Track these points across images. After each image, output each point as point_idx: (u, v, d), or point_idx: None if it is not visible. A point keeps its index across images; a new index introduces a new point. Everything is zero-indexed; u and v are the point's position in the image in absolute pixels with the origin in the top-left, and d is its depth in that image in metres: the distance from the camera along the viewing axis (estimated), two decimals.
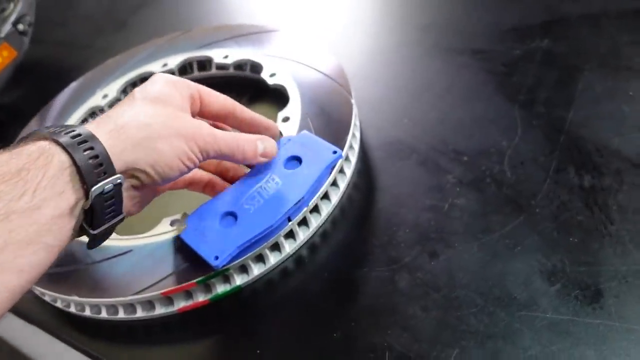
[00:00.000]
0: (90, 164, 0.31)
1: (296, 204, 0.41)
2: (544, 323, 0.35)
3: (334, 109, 0.50)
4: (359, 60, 0.62)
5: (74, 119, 0.60)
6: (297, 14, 0.73)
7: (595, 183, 0.42)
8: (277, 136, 0.45)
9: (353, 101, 0.50)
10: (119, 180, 0.32)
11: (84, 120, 0.61)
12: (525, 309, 0.36)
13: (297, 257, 0.44)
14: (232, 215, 0.41)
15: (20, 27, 0.69)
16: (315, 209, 0.44)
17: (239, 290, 0.42)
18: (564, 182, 0.43)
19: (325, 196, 0.45)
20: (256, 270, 0.42)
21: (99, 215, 0.32)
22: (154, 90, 0.37)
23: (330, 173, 0.44)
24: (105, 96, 0.61)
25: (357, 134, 0.50)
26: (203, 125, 0.37)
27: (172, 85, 0.38)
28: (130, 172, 0.34)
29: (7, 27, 0.68)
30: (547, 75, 0.52)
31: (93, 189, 0.31)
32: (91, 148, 0.31)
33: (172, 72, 0.63)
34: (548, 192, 0.43)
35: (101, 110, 0.62)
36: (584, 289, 0.36)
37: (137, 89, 0.38)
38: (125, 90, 0.63)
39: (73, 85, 0.65)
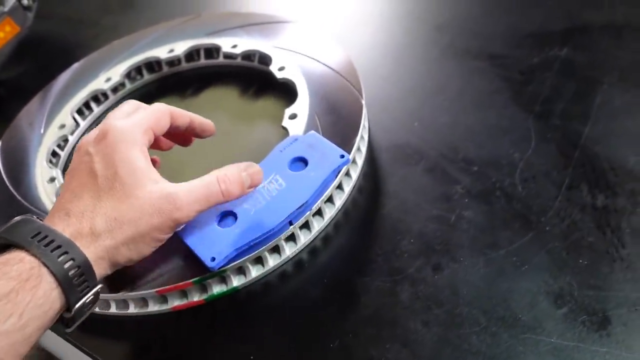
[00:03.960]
0: (76, 283, 0.32)
1: (299, 208, 0.39)
2: (548, 348, 0.34)
3: (343, 108, 0.49)
4: (371, 57, 0.60)
5: (75, 101, 0.58)
6: (310, 6, 0.71)
7: (609, 203, 0.41)
8: (214, 133, 0.44)
9: (363, 102, 0.48)
10: (98, 288, 0.34)
11: (86, 104, 0.59)
12: (529, 331, 0.35)
13: (296, 261, 0.43)
14: (232, 215, 0.40)
15: (25, 2, 0.68)
16: (319, 212, 0.43)
17: (235, 291, 0.41)
18: (576, 200, 0.42)
19: (330, 199, 0.44)
20: (254, 272, 0.41)
21: (77, 314, 0.34)
22: (115, 160, 0.36)
23: (336, 177, 0.43)
24: (108, 79, 0.60)
25: (366, 136, 0.49)
26: (172, 195, 0.36)
27: (130, 129, 0.37)
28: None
29: (11, 1, 0.66)
30: (564, 86, 0.50)
31: (76, 305, 0.33)
32: (77, 266, 0.32)
33: (178, 58, 0.61)
34: (559, 210, 0.41)
35: (103, 94, 0.60)
36: (591, 315, 0.35)
37: (94, 152, 0.37)
38: (129, 75, 0.61)
39: (76, 65, 0.63)
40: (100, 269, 0.34)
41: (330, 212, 0.44)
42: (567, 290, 0.37)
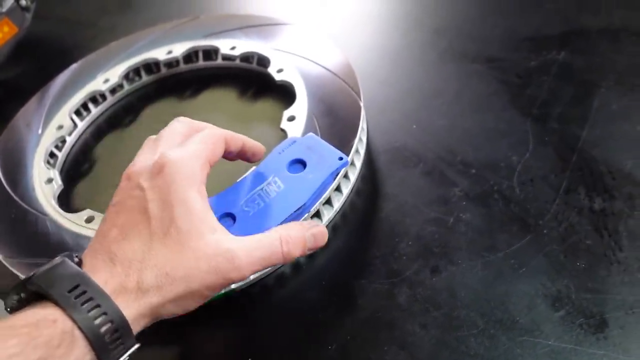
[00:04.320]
0: (112, 347, 0.29)
1: (297, 210, 0.39)
2: (546, 350, 0.34)
3: (341, 111, 0.49)
4: (369, 59, 0.60)
5: (73, 102, 0.58)
6: (308, 8, 0.71)
7: (606, 206, 0.41)
8: (262, 156, 0.42)
9: (362, 104, 0.49)
10: (135, 349, 0.31)
11: (84, 105, 0.59)
12: (527, 334, 0.35)
13: (294, 263, 0.43)
14: (231, 216, 0.40)
15: (23, 2, 0.67)
16: (317, 214, 0.43)
17: (232, 293, 0.41)
18: (573, 203, 0.42)
19: (328, 202, 0.44)
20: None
21: None
22: (171, 201, 0.32)
23: (335, 179, 0.43)
24: (106, 80, 0.60)
25: (364, 139, 0.49)
26: (231, 252, 0.32)
27: (188, 163, 0.33)
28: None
29: (9, 2, 0.66)
30: (562, 90, 0.51)
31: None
32: (115, 330, 0.29)
33: (176, 60, 0.61)
34: (557, 213, 0.41)
35: (101, 95, 0.60)
36: (588, 318, 0.35)
37: (148, 188, 0.33)
38: (127, 76, 0.61)
39: (74, 66, 0.63)
40: (139, 326, 0.31)
41: (328, 215, 0.44)
42: (565, 293, 0.37)
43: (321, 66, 0.54)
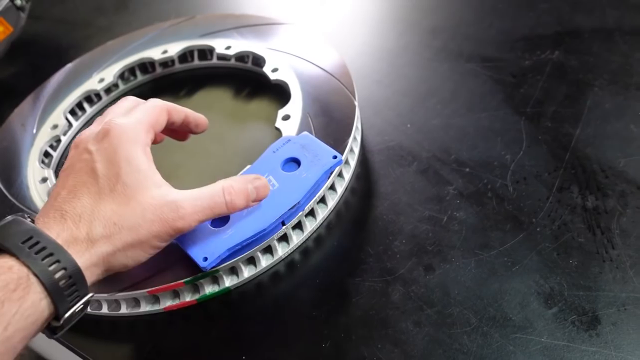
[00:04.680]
0: (66, 293, 0.31)
1: (291, 208, 0.39)
2: (538, 347, 0.34)
3: (336, 110, 0.49)
4: (364, 59, 0.60)
5: (68, 101, 0.58)
6: (304, 8, 0.72)
7: (599, 204, 0.41)
8: (206, 128, 0.44)
9: (356, 103, 0.49)
10: (89, 297, 0.33)
11: (79, 104, 0.59)
12: (520, 331, 0.35)
13: (289, 262, 0.43)
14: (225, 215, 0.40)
15: (18, 2, 0.67)
16: (311, 213, 0.43)
17: (227, 292, 0.41)
18: (566, 201, 0.42)
19: (322, 200, 0.44)
20: (246, 272, 0.41)
21: (66, 322, 0.32)
22: (117, 160, 0.35)
23: (329, 178, 0.43)
24: (101, 80, 0.60)
25: (359, 138, 0.49)
26: (175, 203, 0.35)
27: (133, 127, 0.36)
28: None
29: (4, 1, 0.66)
30: (556, 89, 0.51)
31: (66, 315, 0.31)
32: (69, 276, 0.31)
33: (172, 59, 0.61)
34: (550, 211, 0.42)
35: (96, 94, 0.60)
36: (581, 315, 0.36)
37: (95, 150, 0.35)
38: (123, 76, 0.61)
39: (69, 66, 0.63)
40: (93, 276, 0.33)
41: (322, 213, 0.44)
42: (558, 291, 0.37)
43: (316, 66, 0.54)
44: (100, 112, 0.61)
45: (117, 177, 0.34)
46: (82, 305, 0.32)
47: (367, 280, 0.40)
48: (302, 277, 0.42)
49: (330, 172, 0.42)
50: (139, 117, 0.37)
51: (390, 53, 0.61)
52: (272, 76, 0.54)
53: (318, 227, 0.44)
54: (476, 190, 0.44)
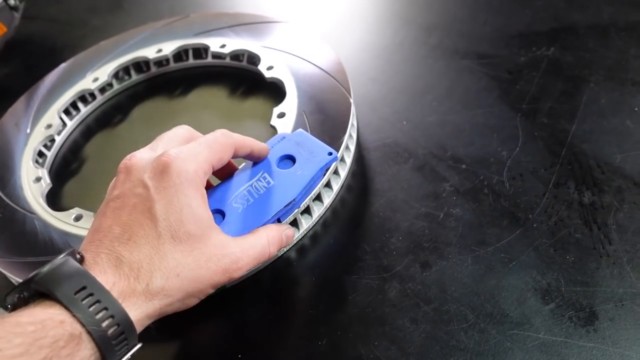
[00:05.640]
0: (117, 347, 0.29)
1: (287, 205, 0.39)
2: (536, 343, 0.34)
3: (331, 107, 0.49)
4: (359, 56, 0.60)
5: (62, 101, 0.58)
6: (298, 6, 0.71)
7: (596, 200, 0.41)
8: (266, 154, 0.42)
9: (352, 100, 0.48)
10: (138, 348, 0.30)
11: (73, 104, 0.59)
12: (517, 327, 0.35)
13: (285, 259, 0.42)
14: (220, 213, 0.40)
15: (12, 1, 0.67)
16: (307, 211, 0.43)
17: (223, 289, 0.41)
18: (563, 197, 0.42)
19: (318, 197, 0.44)
20: None
21: None
22: (180, 206, 0.32)
23: (324, 174, 0.43)
24: (96, 79, 0.59)
25: (354, 135, 0.49)
26: (235, 254, 0.34)
27: (195, 169, 0.33)
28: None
29: None
30: (552, 85, 0.51)
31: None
32: (122, 332, 0.29)
33: (166, 58, 0.61)
34: (546, 207, 0.41)
35: (91, 94, 0.60)
36: (578, 310, 0.35)
37: (152, 188, 0.32)
38: (117, 75, 0.61)
39: (63, 65, 0.63)
40: (144, 326, 0.31)
41: (318, 211, 0.44)
42: (555, 287, 0.37)
43: (311, 63, 0.54)
44: (94, 112, 0.61)
45: (180, 224, 0.32)
46: (129, 357, 0.30)
47: (363, 277, 0.40)
48: (298, 275, 0.41)
49: (325, 168, 0.42)
50: (203, 155, 0.34)
51: (386, 50, 0.61)
52: (267, 74, 0.54)
53: (314, 225, 0.44)
54: (472, 187, 0.44)
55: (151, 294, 0.30)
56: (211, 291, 0.34)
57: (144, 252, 0.31)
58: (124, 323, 0.29)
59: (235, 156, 0.38)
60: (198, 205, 0.33)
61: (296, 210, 0.41)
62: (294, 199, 0.39)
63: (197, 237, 0.32)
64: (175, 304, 0.32)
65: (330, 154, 0.41)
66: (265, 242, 0.36)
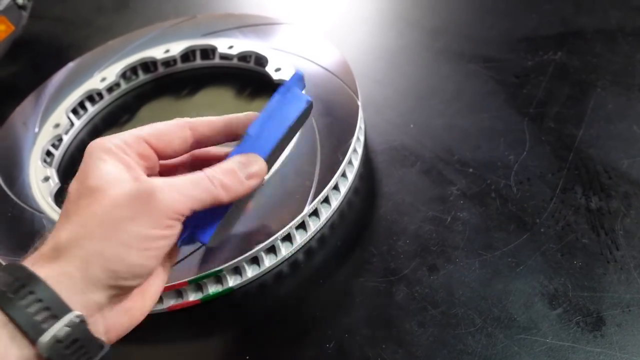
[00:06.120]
0: (30, 312, 0.26)
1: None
2: (543, 348, 0.34)
3: (339, 110, 0.49)
4: (366, 59, 0.60)
5: (70, 100, 0.58)
6: (306, 8, 0.72)
7: (603, 205, 0.41)
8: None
9: (359, 103, 0.49)
10: (78, 319, 0.27)
11: (81, 103, 0.59)
12: (524, 332, 0.35)
13: (292, 262, 0.43)
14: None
15: (20, 1, 0.67)
16: (315, 213, 0.43)
17: (230, 292, 0.41)
18: (570, 202, 0.42)
19: (326, 200, 0.44)
20: (250, 272, 0.41)
21: None
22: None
23: (298, 120, 0.36)
24: (103, 79, 0.60)
25: (362, 138, 0.49)
26: (162, 198, 0.29)
27: (115, 160, 0.32)
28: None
29: (6, 0, 0.66)
30: (559, 90, 0.51)
31: (40, 339, 0.26)
32: (31, 292, 0.26)
33: (174, 58, 0.61)
34: (554, 212, 0.42)
35: (98, 93, 0.60)
36: (585, 316, 0.36)
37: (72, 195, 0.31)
38: (125, 75, 0.61)
39: (71, 65, 0.63)
40: (78, 298, 0.27)
41: (326, 213, 0.44)
42: (562, 291, 0.37)
43: (319, 65, 0.54)
44: (102, 111, 0.61)
45: (85, 179, 0.31)
46: (68, 329, 0.27)
47: (370, 280, 0.40)
48: (305, 278, 0.42)
49: (297, 112, 0.36)
50: (130, 132, 0.33)
51: (392, 53, 0.61)
52: (275, 76, 0.54)
53: (321, 227, 0.44)
54: (480, 191, 0.44)
55: (58, 251, 0.28)
56: (152, 245, 0.29)
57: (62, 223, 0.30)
58: (34, 285, 0.27)
59: (213, 141, 0.35)
60: (103, 162, 0.31)
61: (304, 213, 0.41)
62: (246, 133, 0.33)
63: (101, 188, 0.30)
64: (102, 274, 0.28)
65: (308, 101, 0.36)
66: (202, 174, 0.31)
